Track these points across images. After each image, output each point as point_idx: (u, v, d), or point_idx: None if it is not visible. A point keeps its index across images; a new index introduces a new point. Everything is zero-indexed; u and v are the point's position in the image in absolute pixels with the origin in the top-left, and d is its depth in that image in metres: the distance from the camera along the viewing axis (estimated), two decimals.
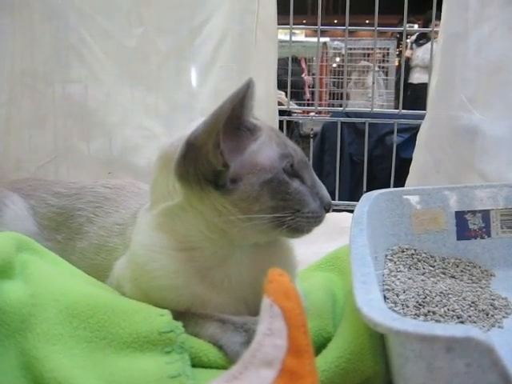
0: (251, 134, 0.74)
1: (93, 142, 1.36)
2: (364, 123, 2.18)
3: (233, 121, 0.72)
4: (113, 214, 0.94)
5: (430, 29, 1.47)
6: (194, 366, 0.68)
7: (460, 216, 1.15)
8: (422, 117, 1.37)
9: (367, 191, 1.85)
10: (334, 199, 1.61)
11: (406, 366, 0.58)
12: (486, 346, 0.52)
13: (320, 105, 3.39)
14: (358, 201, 1.72)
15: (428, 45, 3.45)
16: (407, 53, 3.38)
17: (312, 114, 2.37)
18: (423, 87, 2.52)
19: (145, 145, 1.38)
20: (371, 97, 1.96)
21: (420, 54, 3.46)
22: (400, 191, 1.18)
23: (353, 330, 0.73)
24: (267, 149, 0.74)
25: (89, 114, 1.35)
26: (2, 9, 1.14)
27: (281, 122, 1.71)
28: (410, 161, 1.82)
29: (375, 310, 0.57)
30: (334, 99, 3.52)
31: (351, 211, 1.61)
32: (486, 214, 1.16)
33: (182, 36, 1.38)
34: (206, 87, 1.38)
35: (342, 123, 2.49)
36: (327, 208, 0.77)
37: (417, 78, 3.44)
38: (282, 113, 1.75)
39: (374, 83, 1.78)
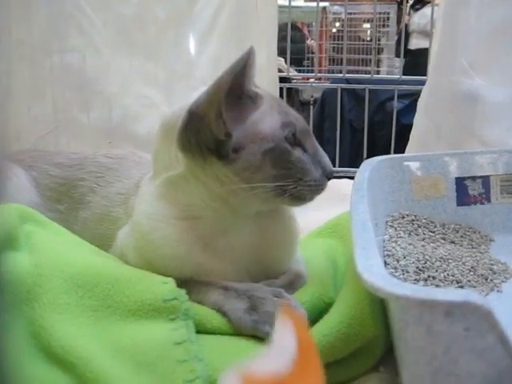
0: (253, 102, 0.74)
1: (92, 111, 1.35)
2: (364, 89, 2.17)
3: (234, 90, 0.71)
4: (115, 183, 0.94)
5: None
6: (198, 332, 0.69)
7: (460, 182, 1.16)
8: (422, 82, 1.36)
9: (368, 158, 1.86)
10: (334, 166, 1.61)
11: (406, 330, 0.59)
12: (485, 310, 0.53)
13: (320, 71, 3.36)
14: (358, 167, 1.73)
15: (424, 10, 3.43)
16: (405, 19, 3.35)
17: (312, 80, 2.35)
18: (421, 52, 2.49)
19: (145, 113, 1.37)
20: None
21: (416, 19, 3.41)
22: (400, 157, 1.18)
23: (354, 295, 0.74)
24: (269, 118, 0.74)
25: (88, 84, 1.34)
26: None
27: (281, 89, 1.70)
28: (410, 127, 1.81)
29: (376, 275, 0.58)
30: (333, 65, 3.49)
31: (351, 178, 1.61)
32: (485, 180, 1.16)
33: (181, 3, 1.36)
34: (206, 55, 1.37)
35: (342, 90, 2.48)
36: (329, 176, 0.77)
37: (415, 43, 3.40)
38: (282, 80, 1.74)
39: (374, 49, 1.76)
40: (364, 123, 2.40)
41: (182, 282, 0.73)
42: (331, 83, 2.30)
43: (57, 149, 1.26)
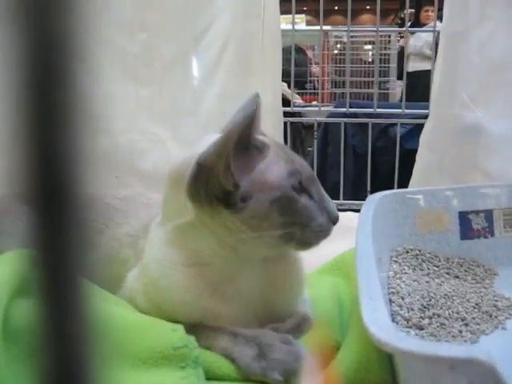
0: (259, 152, 0.76)
1: (99, 146, 1.36)
2: (368, 115, 2.19)
3: (242, 141, 0.73)
4: (123, 225, 0.96)
5: (431, 29, 1.48)
6: (207, 378, 0.70)
7: (463, 216, 1.17)
8: (425, 115, 1.39)
9: (371, 187, 1.88)
10: (338, 198, 1.63)
11: (412, 381, 0.60)
12: (488, 366, 0.54)
13: (323, 94, 3.40)
14: (361, 197, 1.74)
15: (420, 33, 3.46)
16: (401, 41, 3.38)
17: (314, 103, 2.38)
18: (418, 74, 2.50)
19: (151, 149, 1.39)
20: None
21: (412, 41, 3.44)
22: (404, 192, 1.20)
23: (360, 341, 0.75)
24: (275, 167, 0.76)
25: (95, 120, 1.35)
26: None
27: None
28: (413, 151, 1.83)
29: (382, 328, 0.59)
30: (336, 87, 3.52)
31: (356, 210, 1.64)
32: (489, 214, 1.17)
33: (186, 41, 1.39)
34: (211, 91, 1.39)
35: (345, 116, 2.50)
36: (334, 222, 0.79)
37: (411, 66, 3.43)
38: (284, 103, 1.76)
39: (376, 84, 1.78)
40: (367, 148, 2.43)
41: (190, 327, 0.74)
42: (334, 107, 2.33)
43: None
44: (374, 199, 1.13)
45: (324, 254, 1.16)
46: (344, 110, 1.80)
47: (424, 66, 3.21)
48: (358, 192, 2.39)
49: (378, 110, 1.73)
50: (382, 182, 1.88)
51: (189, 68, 1.40)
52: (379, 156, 2.32)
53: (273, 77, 1.41)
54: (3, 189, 1.18)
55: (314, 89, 3.15)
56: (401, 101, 1.78)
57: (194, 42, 1.39)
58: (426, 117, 1.70)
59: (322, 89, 3.41)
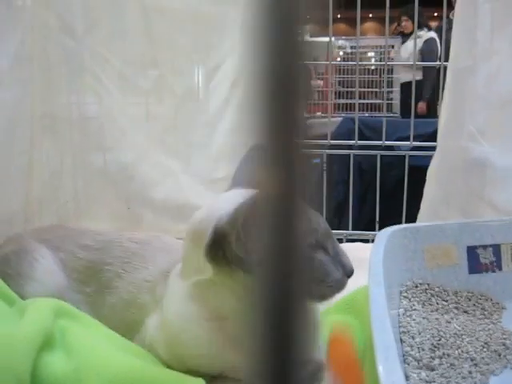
0: None
1: (111, 179, 1.40)
2: (373, 132, 2.20)
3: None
4: (141, 270, 0.97)
5: (439, 63, 1.49)
6: None
7: (471, 250, 1.19)
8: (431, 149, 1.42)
9: (379, 218, 1.88)
10: (348, 229, 1.65)
11: None
12: None
13: (326, 105, 3.41)
14: (366, 219, 1.75)
15: (408, 43, 3.47)
16: (391, 53, 3.41)
17: (319, 114, 2.39)
18: (409, 86, 2.53)
19: (163, 180, 1.42)
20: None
21: (401, 53, 3.47)
22: (413, 227, 1.21)
23: None
24: None
25: (106, 152, 1.38)
26: (18, 59, 1.17)
27: None
28: (420, 168, 1.84)
29: None
30: (340, 98, 3.53)
31: (365, 241, 1.66)
32: (496, 248, 1.19)
33: (197, 78, 1.41)
34: (222, 126, 1.42)
35: (351, 131, 2.51)
36: (349, 275, 0.81)
37: (403, 77, 3.45)
38: None
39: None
40: (372, 164, 2.44)
41: (211, 379, 0.77)
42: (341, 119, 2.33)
43: (77, 216, 1.30)
44: (384, 236, 1.14)
45: None
46: (353, 142, 1.81)
47: (410, 76, 3.26)
48: (362, 210, 2.40)
49: (387, 143, 1.74)
50: (387, 198, 1.90)
51: (200, 103, 1.42)
52: (386, 171, 2.34)
53: None
54: (17, 227, 1.22)
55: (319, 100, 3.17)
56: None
57: (206, 80, 1.41)
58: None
59: (325, 99, 3.43)
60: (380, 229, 1.56)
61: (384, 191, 2.22)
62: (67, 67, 1.30)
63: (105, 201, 1.41)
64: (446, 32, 1.75)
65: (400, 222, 1.64)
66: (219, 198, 0.81)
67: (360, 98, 3.40)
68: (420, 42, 3.58)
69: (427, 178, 1.38)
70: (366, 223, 1.98)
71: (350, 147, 2.20)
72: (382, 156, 2.44)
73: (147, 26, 1.35)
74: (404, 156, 2.46)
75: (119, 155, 1.39)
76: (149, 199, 1.42)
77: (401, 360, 0.95)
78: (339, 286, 0.80)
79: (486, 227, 1.20)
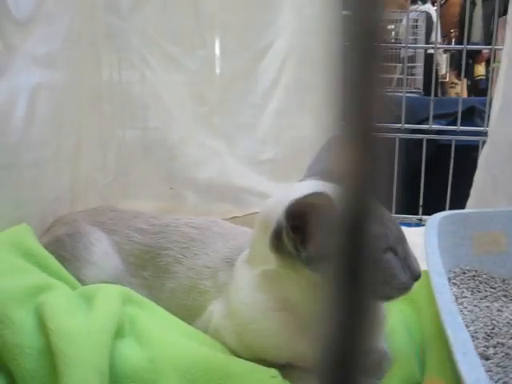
0: None
1: (154, 158, 1.39)
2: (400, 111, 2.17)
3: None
4: (201, 255, 0.97)
5: (490, 46, 1.47)
6: None
7: None
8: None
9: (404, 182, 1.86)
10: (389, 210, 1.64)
11: None
12: None
13: None
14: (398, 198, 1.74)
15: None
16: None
17: None
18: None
19: (207, 161, 1.41)
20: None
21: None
22: (461, 214, 1.21)
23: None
24: None
25: (150, 132, 1.38)
26: (68, 40, 1.16)
27: None
28: (447, 147, 1.83)
29: None
30: None
31: (407, 224, 1.65)
32: None
33: (246, 59, 1.39)
34: (270, 107, 1.40)
35: None
36: (417, 278, 0.81)
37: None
38: None
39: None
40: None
41: (281, 368, 0.77)
42: None
43: (121, 196, 1.30)
44: (435, 223, 1.14)
45: None
46: (399, 125, 1.79)
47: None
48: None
49: (406, 126, 1.74)
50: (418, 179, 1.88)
51: (249, 84, 1.40)
52: (413, 152, 2.32)
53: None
54: (64, 207, 1.22)
55: None
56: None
57: (255, 61, 1.39)
58: None
59: None
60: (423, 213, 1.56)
61: (413, 173, 2.21)
62: (113, 46, 1.28)
63: (148, 181, 1.41)
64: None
65: (433, 204, 1.64)
66: (292, 186, 0.81)
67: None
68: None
69: (478, 164, 1.37)
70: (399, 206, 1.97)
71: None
72: (409, 133, 2.43)
73: (196, 5, 1.33)
74: (433, 134, 2.44)
75: (164, 135, 1.39)
76: (192, 180, 1.42)
77: None
78: (405, 288, 0.80)
79: None
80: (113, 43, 1.28)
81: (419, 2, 4.05)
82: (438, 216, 1.18)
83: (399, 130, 1.83)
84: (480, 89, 1.79)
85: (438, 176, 1.99)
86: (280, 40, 1.37)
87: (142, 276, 1.02)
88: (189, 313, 0.94)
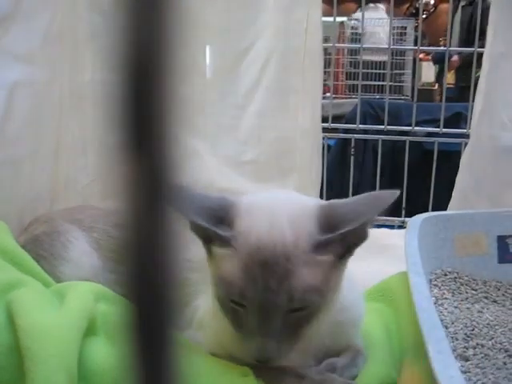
0: None
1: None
2: (389, 116, 2.18)
3: None
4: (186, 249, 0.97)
5: (473, 48, 1.48)
6: None
7: (502, 240, 1.19)
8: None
9: (391, 185, 1.88)
10: None
11: None
12: None
13: (337, 86, 3.39)
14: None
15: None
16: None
17: (328, 94, 2.37)
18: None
19: (187, 162, 1.39)
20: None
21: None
22: (443, 215, 1.21)
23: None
24: None
25: None
26: (48, 37, 1.15)
27: None
28: (433, 152, 1.84)
29: None
30: (350, 79, 3.50)
31: (390, 227, 1.65)
32: None
33: (229, 59, 1.38)
34: (252, 108, 1.39)
35: (366, 114, 2.49)
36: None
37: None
38: None
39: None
40: (386, 147, 2.43)
41: (256, 369, 0.76)
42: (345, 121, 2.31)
43: (102, 196, 1.28)
44: (416, 224, 1.14)
45: (361, 271, 1.18)
46: (354, 126, 1.82)
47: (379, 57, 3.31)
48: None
49: (389, 127, 1.76)
50: (402, 182, 1.89)
51: (231, 85, 1.40)
52: (399, 156, 2.33)
53: (313, 96, 1.40)
54: (43, 206, 1.20)
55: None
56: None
57: (238, 59, 1.38)
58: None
59: (337, 80, 3.40)
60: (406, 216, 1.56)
61: (397, 175, 2.22)
62: (94, 45, 1.27)
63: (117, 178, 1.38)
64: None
65: (416, 207, 1.64)
66: None
67: (370, 80, 3.37)
68: None
69: (460, 165, 1.37)
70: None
71: (365, 132, 2.19)
72: (395, 140, 2.45)
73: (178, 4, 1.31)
74: (420, 142, 2.46)
75: None
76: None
77: None
78: None
79: None
80: (94, 42, 1.27)
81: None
82: (420, 217, 1.18)
83: (382, 132, 1.84)
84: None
85: (423, 181, 2.00)
86: (262, 40, 1.36)
87: (120, 272, 1.01)
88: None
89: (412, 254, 1.00)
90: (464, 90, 3.43)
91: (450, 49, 1.38)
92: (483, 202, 1.30)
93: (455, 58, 3.13)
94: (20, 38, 1.10)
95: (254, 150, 1.40)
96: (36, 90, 1.14)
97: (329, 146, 2.44)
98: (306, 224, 0.71)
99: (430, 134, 2.16)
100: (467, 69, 3.41)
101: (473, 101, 1.38)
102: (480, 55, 1.38)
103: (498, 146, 1.29)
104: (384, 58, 3.22)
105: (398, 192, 0.71)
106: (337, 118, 2.44)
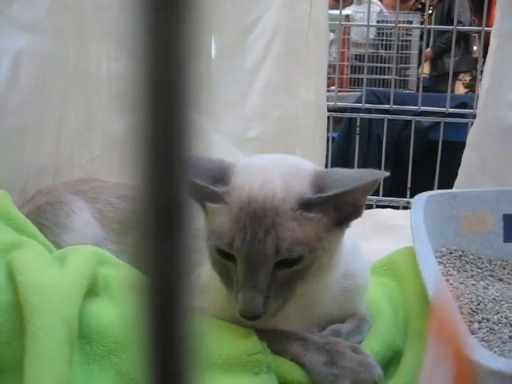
0: None
1: (138, 134, 1.35)
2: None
3: None
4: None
5: (480, 28, 1.47)
6: None
7: (508, 219, 1.18)
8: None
9: (395, 175, 1.88)
10: (377, 194, 1.64)
11: None
12: None
13: (342, 79, 3.38)
14: (386, 188, 1.74)
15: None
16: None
17: (334, 88, 2.36)
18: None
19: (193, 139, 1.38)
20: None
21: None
22: (449, 193, 1.20)
23: (425, 348, 0.76)
24: None
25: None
26: (54, 7, 1.14)
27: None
28: (438, 143, 1.83)
29: (467, 346, 0.60)
30: (355, 73, 3.50)
31: (395, 207, 1.64)
32: None
33: (234, 34, 1.37)
34: (257, 85, 1.38)
35: (371, 102, 2.48)
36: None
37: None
38: None
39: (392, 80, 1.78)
40: (390, 137, 2.42)
41: (260, 332, 0.75)
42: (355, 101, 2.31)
43: (105, 172, 1.27)
44: (422, 200, 1.13)
45: (366, 250, 1.18)
46: (360, 105, 1.82)
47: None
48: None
49: (394, 107, 1.75)
50: (406, 173, 1.89)
51: (236, 60, 1.39)
52: (404, 146, 2.32)
53: (318, 72, 1.39)
54: (46, 180, 1.20)
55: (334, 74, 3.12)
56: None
57: (243, 35, 1.37)
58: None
59: (342, 74, 3.38)
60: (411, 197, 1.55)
61: (401, 165, 2.21)
62: (101, 18, 1.26)
63: (133, 158, 1.37)
64: None
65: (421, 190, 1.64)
66: None
67: (376, 74, 3.37)
68: None
69: (466, 144, 1.36)
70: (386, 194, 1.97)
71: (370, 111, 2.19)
72: (401, 130, 2.44)
73: None
74: (424, 130, 2.45)
75: None
76: None
77: None
78: None
79: None
80: (100, 17, 1.26)
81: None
82: (425, 195, 1.17)
83: (388, 112, 1.84)
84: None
85: (428, 170, 1.99)
86: (267, 15, 1.35)
87: (126, 242, 1.01)
88: None
89: (417, 226, 1.00)
90: (438, 79, 3.52)
91: (457, 28, 1.36)
92: (489, 182, 1.29)
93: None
94: (25, 7, 1.09)
95: (259, 127, 1.39)
96: (41, 60, 1.13)
97: (333, 138, 2.44)
98: (298, 183, 0.73)
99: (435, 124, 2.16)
100: (439, 59, 3.52)
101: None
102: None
103: (504, 126, 1.28)
104: (390, 52, 3.25)
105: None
106: (340, 111, 2.44)
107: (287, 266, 0.70)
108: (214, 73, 1.30)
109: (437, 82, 3.45)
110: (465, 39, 3.44)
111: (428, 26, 1.75)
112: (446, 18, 3.61)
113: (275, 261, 0.69)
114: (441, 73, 3.49)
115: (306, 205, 0.71)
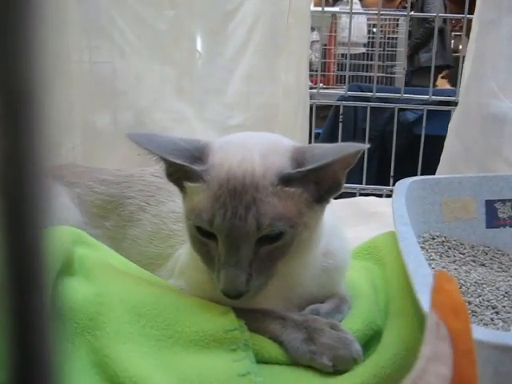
0: None
1: (122, 124, 1.36)
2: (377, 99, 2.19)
3: None
4: (167, 203, 0.96)
5: (463, 15, 1.46)
6: (256, 362, 0.70)
7: (490, 204, 1.18)
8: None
9: (380, 170, 1.88)
10: (361, 183, 1.64)
11: None
12: None
13: (329, 76, 3.39)
14: (372, 181, 1.74)
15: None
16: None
17: (321, 85, 2.37)
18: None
19: (174, 127, 1.38)
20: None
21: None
22: (431, 179, 1.20)
23: (406, 326, 0.76)
24: None
25: (118, 97, 1.34)
26: None
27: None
28: (420, 137, 1.84)
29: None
30: (342, 70, 3.50)
31: (378, 195, 1.64)
32: None
33: (215, 20, 1.37)
34: (238, 72, 1.38)
35: (356, 99, 2.49)
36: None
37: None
38: None
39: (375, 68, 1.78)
40: (376, 132, 2.42)
41: (239, 310, 0.74)
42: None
43: (86, 161, 1.26)
44: (404, 186, 1.13)
45: (350, 238, 1.17)
46: (343, 92, 1.84)
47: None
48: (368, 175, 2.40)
49: (378, 94, 1.76)
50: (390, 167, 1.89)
51: (217, 48, 1.38)
52: (388, 140, 2.32)
53: (298, 58, 1.39)
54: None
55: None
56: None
57: (224, 21, 1.37)
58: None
59: (328, 71, 3.39)
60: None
61: (386, 159, 2.21)
62: (81, 8, 1.25)
63: (115, 147, 1.37)
64: None
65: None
66: None
67: (363, 71, 3.38)
68: None
69: (448, 130, 1.36)
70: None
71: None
72: (385, 125, 2.44)
73: None
74: (409, 125, 2.45)
75: (132, 100, 1.35)
76: None
77: None
78: None
79: (506, 181, 1.18)
80: (81, 5, 1.25)
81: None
82: (408, 180, 1.16)
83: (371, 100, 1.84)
84: None
85: (414, 162, 2.00)
86: (249, 2, 1.35)
87: (104, 226, 1.00)
88: (151, 261, 0.92)
89: (398, 209, 0.99)
90: (414, 74, 3.56)
91: (440, 15, 1.37)
92: (471, 168, 1.29)
93: None
94: None
95: (241, 114, 1.39)
96: None
97: (317, 134, 2.44)
98: (277, 159, 0.72)
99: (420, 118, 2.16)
100: (416, 55, 3.56)
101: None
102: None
103: (487, 114, 1.28)
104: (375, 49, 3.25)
105: (366, 146, 0.72)
106: (326, 108, 2.45)
107: (268, 242, 0.70)
108: (195, 59, 1.29)
109: (413, 77, 3.47)
110: (440, 34, 3.45)
111: (410, 14, 1.76)
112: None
113: (257, 237, 0.69)
114: (416, 67, 3.51)
115: (285, 180, 0.70)
